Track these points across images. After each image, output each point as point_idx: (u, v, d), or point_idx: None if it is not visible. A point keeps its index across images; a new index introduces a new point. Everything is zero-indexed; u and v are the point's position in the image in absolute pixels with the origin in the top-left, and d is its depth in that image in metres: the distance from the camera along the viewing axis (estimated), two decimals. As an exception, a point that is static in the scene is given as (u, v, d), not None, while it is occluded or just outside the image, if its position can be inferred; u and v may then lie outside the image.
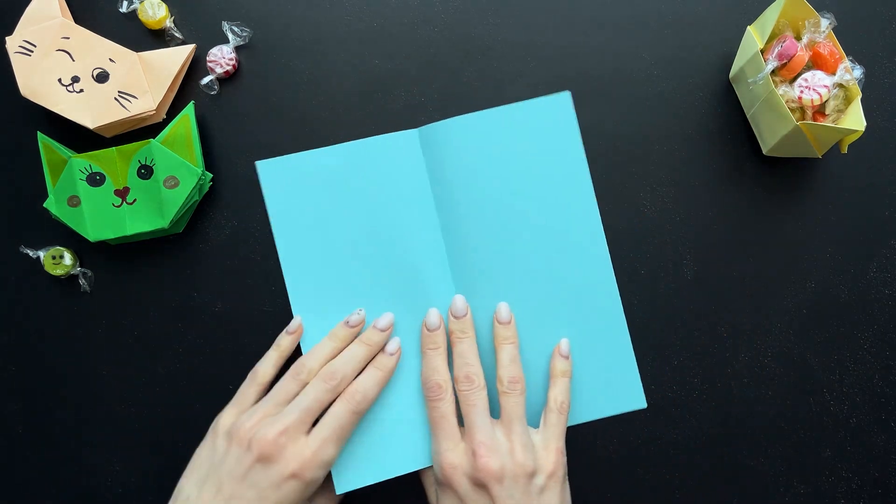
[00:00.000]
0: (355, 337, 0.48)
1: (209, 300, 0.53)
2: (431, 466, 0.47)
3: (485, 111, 0.47)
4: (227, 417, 0.46)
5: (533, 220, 0.48)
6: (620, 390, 0.49)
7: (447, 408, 0.46)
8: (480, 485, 0.43)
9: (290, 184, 0.47)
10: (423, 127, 0.47)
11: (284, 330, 0.48)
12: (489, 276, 0.48)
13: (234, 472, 0.44)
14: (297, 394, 0.46)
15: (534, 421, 0.48)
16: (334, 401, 0.46)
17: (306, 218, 0.48)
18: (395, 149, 0.47)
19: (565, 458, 0.46)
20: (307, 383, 0.46)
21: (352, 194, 0.48)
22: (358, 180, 0.48)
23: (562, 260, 0.48)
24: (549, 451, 0.45)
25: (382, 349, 0.48)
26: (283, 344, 0.48)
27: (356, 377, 0.47)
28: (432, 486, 0.47)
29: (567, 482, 0.46)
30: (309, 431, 0.45)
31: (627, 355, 0.48)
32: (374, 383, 0.47)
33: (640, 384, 0.48)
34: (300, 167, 0.47)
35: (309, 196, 0.48)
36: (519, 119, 0.48)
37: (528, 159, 0.48)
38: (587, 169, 0.47)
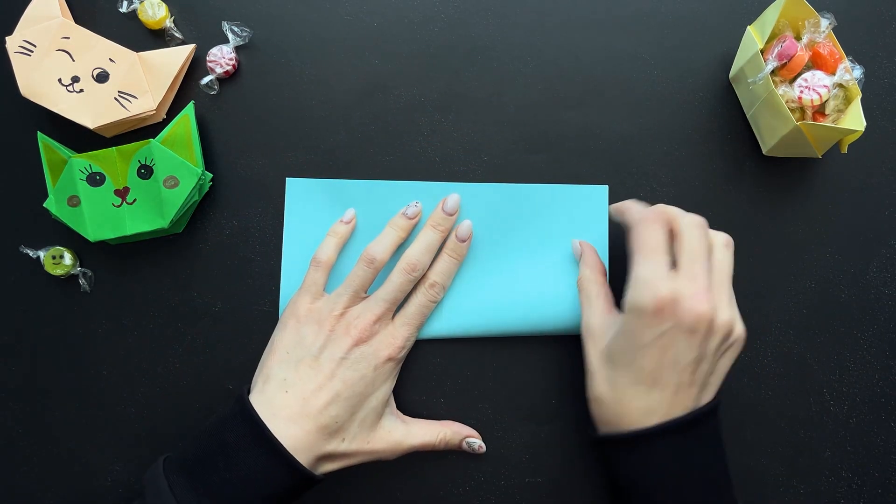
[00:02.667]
0: (412, 227, 0.51)
1: (209, 300, 0.53)
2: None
3: (521, 185, 0.52)
4: (305, 304, 0.49)
5: (537, 270, 0.52)
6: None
7: (665, 237, 0.45)
8: (691, 329, 0.42)
9: (310, 204, 0.52)
10: (458, 184, 0.52)
11: (339, 219, 0.52)
12: (474, 315, 0.52)
13: (334, 355, 0.47)
14: (371, 280, 0.49)
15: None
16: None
17: (317, 237, 0.52)
18: (419, 196, 0.52)
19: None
20: (378, 269, 0.49)
21: (367, 227, 0.52)
22: (376, 217, 0.52)
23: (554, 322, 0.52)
24: (737, 318, 0.46)
25: (454, 234, 0.51)
26: (339, 231, 0.51)
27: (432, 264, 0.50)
28: (602, 322, 0.47)
29: None
30: (394, 316, 0.49)
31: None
32: (449, 271, 0.51)
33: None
34: (326, 192, 0.52)
35: (326, 220, 0.52)
36: (555, 198, 0.52)
37: (554, 232, 0.52)
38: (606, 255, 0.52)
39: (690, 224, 0.45)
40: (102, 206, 0.51)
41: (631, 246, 0.46)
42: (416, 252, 0.49)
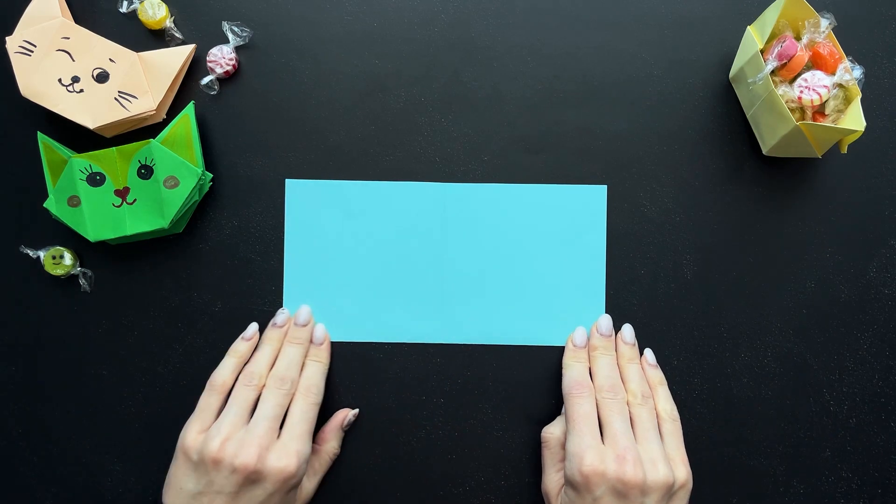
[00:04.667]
0: (284, 335, 0.52)
1: (209, 300, 0.53)
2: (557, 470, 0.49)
3: (519, 185, 0.53)
4: (193, 434, 0.47)
5: (537, 268, 0.53)
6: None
7: (590, 406, 0.47)
8: (621, 494, 0.44)
9: (310, 205, 0.53)
10: (454, 185, 0.53)
11: (240, 336, 0.52)
12: (472, 318, 0.53)
13: (226, 491, 0.45)
14: (255, 399, 0.48)
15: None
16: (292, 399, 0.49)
17: (317, 238, 0.53)
18: (419, 196, 0.53)
19: (690, 469, 0.48)
20: (260, 387, 0.49)
21: (367, 225, 0.53)
22: (375, 218, 0.53)
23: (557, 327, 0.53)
24: (677, 463, 0.47)
25: (312, 340, 0.52)
26: (240, 350, 0.51)
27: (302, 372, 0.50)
28: (558, 487, 0.48)
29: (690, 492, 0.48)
30: (279, 433, 0.47)
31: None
32: (320, 376, 0.51)
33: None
34: (325, 193, 0.53)
35: (326, 221, 0.53)
36: (553, 198, 0.53)
37: (553, 230, 0.53)
38: (604, 259, 0.53)
39: (602, 389, 0.48)
40: (102, 206, 0.51)
41: (566, 417, 0.48)
42: (281, 367, 0.50)
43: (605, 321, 0.52)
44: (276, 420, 0.48)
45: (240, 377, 0.49)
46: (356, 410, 0.53)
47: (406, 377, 0.53)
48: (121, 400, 0.53)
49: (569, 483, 0.46)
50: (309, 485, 0.51)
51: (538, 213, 0.52)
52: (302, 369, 0.51)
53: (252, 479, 0.45)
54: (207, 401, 0.49)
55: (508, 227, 0.52)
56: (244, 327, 0.53)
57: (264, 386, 0.49)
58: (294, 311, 0.52)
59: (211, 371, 0.53)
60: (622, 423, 0.46)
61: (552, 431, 0.50)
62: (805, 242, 0.53)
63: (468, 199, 0.52)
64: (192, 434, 0.47)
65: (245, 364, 0.50)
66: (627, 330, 0.52)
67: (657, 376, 0.51)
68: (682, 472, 0.46)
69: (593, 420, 0.47)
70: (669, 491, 0.45)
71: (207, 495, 0.45)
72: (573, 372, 0.49)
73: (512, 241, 0.52)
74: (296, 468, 0.46)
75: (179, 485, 0.46)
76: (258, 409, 0.48)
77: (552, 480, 0.49)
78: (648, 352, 0.52)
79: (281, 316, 0.52)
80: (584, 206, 0.52)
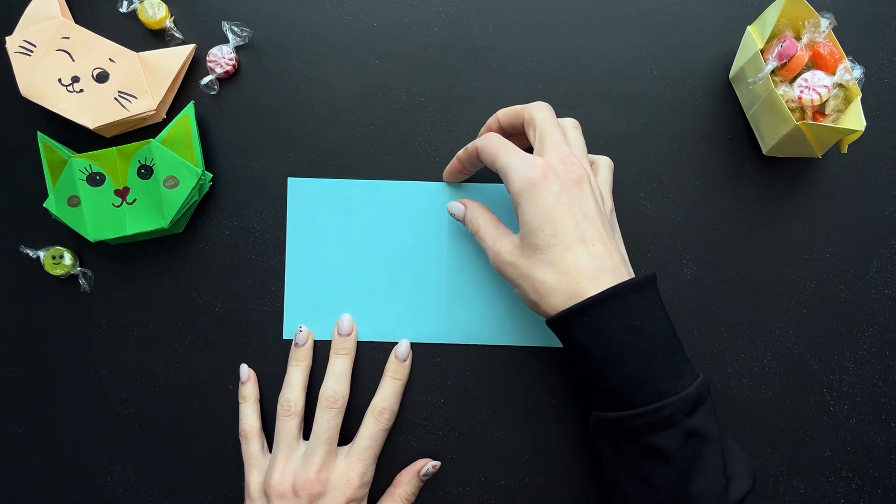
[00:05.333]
0: (311, 353, 0.51)
1: (209, 300, 0.53)
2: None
3: (488, 184, 0.52)
4: (253, 480, 0.48)
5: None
6: None
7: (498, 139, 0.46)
8: (575, 182, 0.43)
9: (312, 204, 0.53)
10: (454, 184, 0.53)
11: (239, 384, 0.52)
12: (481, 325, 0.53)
13: None
14: (298, 427, 0.48)
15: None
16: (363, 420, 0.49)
17: (319, 237, 0.53)
18: (419, 196, 0.53)
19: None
20: (299, 414, 0.49)
21: (368, 229, 0.53)
22: (377, 217, 0.53)
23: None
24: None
25: (393, 355, 0.51)
26: (247, 393, 0.51)
27: (378, 392, 0.50)
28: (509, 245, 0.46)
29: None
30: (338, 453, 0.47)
31: None
32: (395, 396, 0.50)
33: None
34: (327, 192, 0.53)
35: (327, 220, 0.53)
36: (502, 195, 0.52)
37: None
38: None
39: (537, 108, 0.46)
40: (102, 206, 0.51)
41: (488, 163, 0.46)
42: (331, 384, 0.49)
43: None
44: (332, 443, 0.47)
45: (277, 409, 0.49)
46: (437, 463, 0.51)
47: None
48: (121, 400, 0.53)
49: (524, 191, 0.43)
50: None
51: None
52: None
53: (315, 498, 0.45)
54: (249, 450, 0.49)
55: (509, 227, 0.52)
56: (244, 327, 0.53)
57: (316, 406, 0.48)
58: (325, 323, 0.52)
59: (210, 370, 0.53)
60: (559, 135, 0.45)
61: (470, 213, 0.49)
62: (805, 242, 0.53)
63: (453, 198, 0.52)
64: (253, 482, 0.48)
65: (258, 400, 0.52)
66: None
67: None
68: (601, 158, 0.49)
69: (506, 143, 0.45)
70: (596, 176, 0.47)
71: None
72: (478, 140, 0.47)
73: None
74: (358, 484, 0.46)
75: None
76: (312, 434, 0.48)
77: (502, 239, 0.46)
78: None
79: (301, 335, 0.51)
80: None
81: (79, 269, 0.53)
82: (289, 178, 0.53)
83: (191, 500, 0.53)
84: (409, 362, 0.51)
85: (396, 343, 0.52)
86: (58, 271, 0.53)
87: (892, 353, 0.53)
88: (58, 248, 0.53)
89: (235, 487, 0.52)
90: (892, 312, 0.53)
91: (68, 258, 0.53)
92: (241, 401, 0.51)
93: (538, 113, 0.45)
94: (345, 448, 0.49)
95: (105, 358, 0.53)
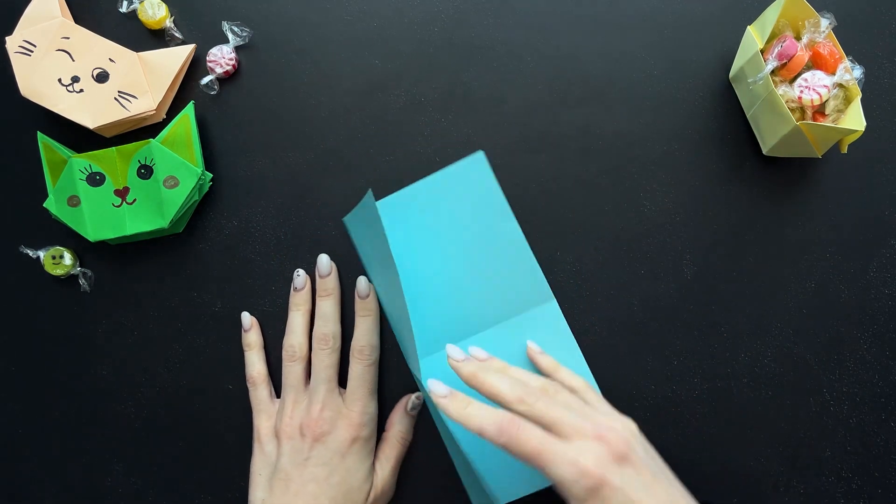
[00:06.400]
0: (310, 296, 0.51)
1: (209, 300, 0.53)
2: None
3: (412, 185, 0.50)
4: (263, 424, 0.50)
5: (476, 278, 0.51)
6: None
7: (536, 430, 0.40)
8: (623, 458, 0.40)
9: (369, 229, 0.48)
10: (378, 202, 0.50)
11: (242, 332, 0.52)
12: (445, 337, 0.51)
13: (296, 460, 0.47)
14: (302, 372, 0.50)
15: None
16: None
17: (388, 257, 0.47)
18: (369, 215, 0.48)
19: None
20: (304, 358, 0.50)
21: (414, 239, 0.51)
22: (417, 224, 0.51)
23: (509, 310, 0.51)
24: (615, 415, 0.44)
25: (356, 294, 0.51)
26: (252, 341, 0.52)
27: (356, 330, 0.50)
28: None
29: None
30: (340, 392, 0.49)
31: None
32: (370, 330, 0.50)
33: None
34: (381, 212, 0.49)
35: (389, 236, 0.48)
36: (443, 184, 0.50)
37: (459, 221, 0.51)
38: (513, 218, 0.50)
39: (512, 402, 0.41)
40: (102, 206, 0.51)
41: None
42: (320, 326, 0.50)
43: (453, 349, 0.45)
44: (331, 381, 0.49)
45: (283, 354, 0.50)
46: (419, 394, 0.51)
47: (406, 375, 0.53)
48: (121, 400, 0.53)
49: (584, 499, 0.39)
50: (383, 472, 0.49)
51: (439, 206, 0.50)
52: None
53: (319, 439, 0.47)
54: (258, 396, 0.51)
55: (428, 230, 0.51)
56: (238, 328, 0.53)
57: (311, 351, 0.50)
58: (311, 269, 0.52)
59: (210, 370, 0.53)
60: (567, 410, 0.41)
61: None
62: (805, 242, 0.53)
63: (387, 214, 0.50)
64: (263, 424, 0.49)
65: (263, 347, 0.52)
66: (476, 350, 0.47)
67: (550, 361, 0.48)
68: (627, 419, 0.44)
69: (547, 436, 0.40)
70: (636, 434, 0.42)
71: (282, 471, 0.47)
72: (484, 419, 0.40)
73: (436, 240, 0.51)
74: (359, 422, 0.47)
75: (257, 469, 0.48)
76: (312, 376, 0.49)
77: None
78: (531, 343, 0.49)
79: (299, 278, 0.51)
80: (474, 181, 0.49)
81: (79, 269, 0.53)
82: (343, 220, 0.50)
83: (191, 500, 0.53)
84: (372, 295, 0.51)
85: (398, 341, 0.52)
86: (58, 271, 0.53)
87: (892, 353, 0.53)
88: (58, 248, 0.53)
89: (236, 487, 0.52)
90: (892, 312, 0.53)
91: (68, 258, 0.53)
92: (245, 349, 0.52)
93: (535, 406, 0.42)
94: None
95: (105, 358, 0.53)
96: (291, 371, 0.50)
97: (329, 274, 0.51)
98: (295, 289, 0.51)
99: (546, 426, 0.41)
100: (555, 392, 0.44)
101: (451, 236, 0.51)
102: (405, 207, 0.51)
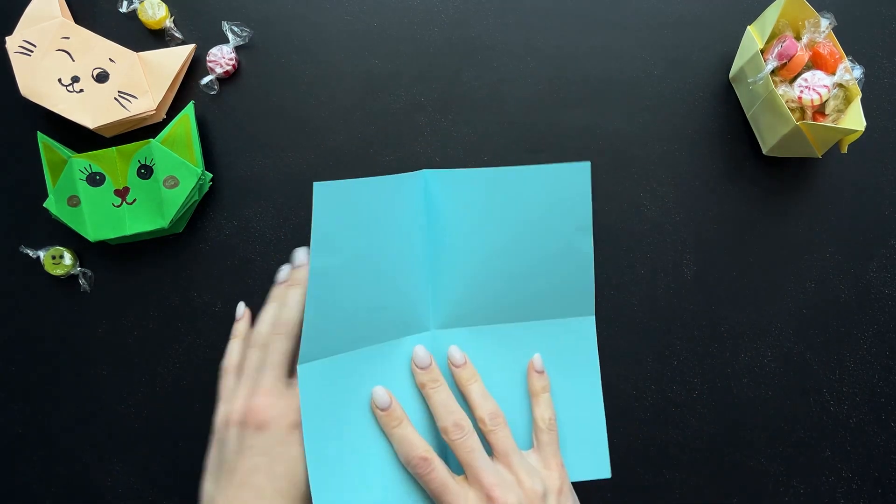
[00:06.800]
0: (251, 321, 0.49)
1: (209, 300, 0.53)
2: None
3: (500, 169, 0.48)
4: (220, 413, 0.46)
5: (525, 271, 0.49)
6: (588, 457, 0.49)
7: (442, 473, 0.45)
8: None
9: (340, 208, 0.45)
10: (430, 171, 0.47)
11: (235, 320, 0.50)
12: (470, 316, 0.49)
13: (240, 449, 0.44)
14: (255, 358, 0.46)
15: (523, 442, 0.48)
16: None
17: (343, 238, 0.46)
18: (404, 188, 0.47)
19: (565, 470, 0.47)
20: (263, 346, 0.47)
21: (373, 226, 0.47)
22: (377, 213, 0.47)
23: (548, 311, 0.50)
24: (551, 469, 0.46)
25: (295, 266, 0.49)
26: (240, 331, 0.49)
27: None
28: None
29: (573, 492, 0.47)
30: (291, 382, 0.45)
31: (599, 425, 0.49)
32: (295, 311, 0.47)
33: (607, 454, 0.49)
34: (355, 193, 0.46)
35: (356, 223, 0.46)
36: (537, 178, 0.48)
37: (535, 216, 0.48)
38: (591, 233, 0.48)
39: (446, 431, 0.45)
40: (102, 206, 0.51)
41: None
42: (285, 312, 0.47)
43: (422, 352, 0.47)
44: (281, 367, 0.45)
45: (246, 344, 0.48)
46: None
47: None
48: (121, 400, 0.53)
49: None
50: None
51: (518, 197, 0.48)
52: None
53: (259, 426, 0.44)
54: (225, 384, 0.47)
55: (492, 214, 0.49)
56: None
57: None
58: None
59: (210, 370, 0.53)
60: (478, 458, 0.45)
61: None
62: (805, 242, 0.53)
63: (448, 186, 0.48)
64: (221, 414, 0.46)
65: None
66: (455, 352, 0.48)
67: (540, 383, 0.49)
68: (554, 477, 0.46)
69: (448, 482, 0.44)
70: (546, 499, 0.44)
71: (227, 462, 0.44)
72: (402, 446, 0.45)
73: (497, 227, 0.49)
74: (297, 411, 0.44)
75: (211, 462, 0.46)
76: (246, 363, 0.46)
77: None
78: (537, 357, 0.49)
79: (283, 272, 0.49)
80: (568, 187, 0.48)
81: (79, 269, 0.53)
82: (314, 184, 0.45)
83: (191, 499, 0.53)
84: (305, 267, 0.49)
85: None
86: (58, 271, 0.53)
87: (892, 353, 0.53)
88: (58, 248, 0.53)
89: None
90: (892, 312, 0.53)
91: (68, 258, 0.53)
92: (231, 337, 0.50)
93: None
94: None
95: (105, 358, 0.53)
96: (251, 358, 0.47)
97: (304, 265, 0.49)
98: (277, 282, 0.49)
99: (461, 463, 0.45)
100: (493, 427, 0.46)
101: (523, 227, 0.49)
102: (489, 185, 0.48)
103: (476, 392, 0.47)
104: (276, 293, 0.49)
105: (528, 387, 0.49)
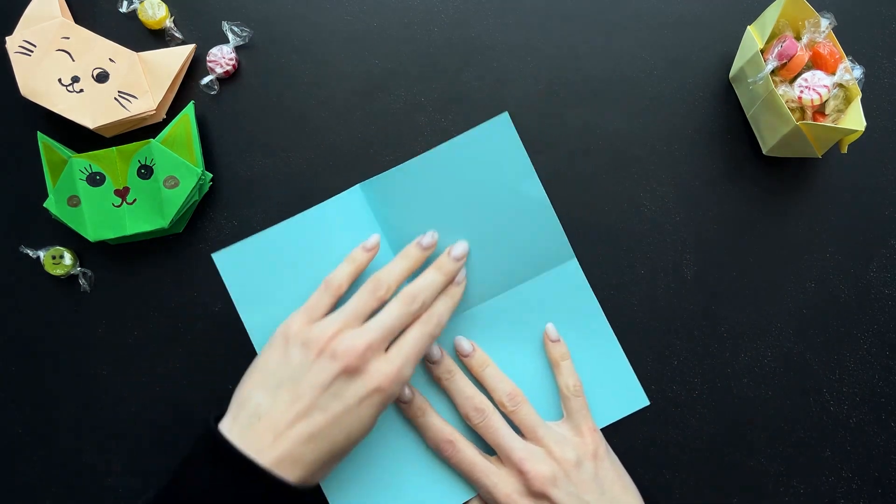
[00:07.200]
0: (425, 258, 0.48)
1: (209, 300, 0.53)
2: None
3: (429, 151, 0.49)
4: (298, 325, 0.44)
5: (493, 239, 0.50)
6: (621, 394, 0.50)
7: (468, 452, 0.46)
8: (539, 496, 0.44)
9: (248, 266, 0.48)
10: (365, 182, 0.49)
11: (361, 245, 0.48)
12: (461, 307, 0.50)
13: (317, 381, 0.42)
14: (374, 309, 0.45)
15: (549, 412, 0.49)
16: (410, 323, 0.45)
17: (268, 291, 0.48)
18: (342, 210, 0.49)
19: (600, 433, 0.48)
20: (383, 299, 0.45)
21: (308, 261, 0.48)
22: (311, 248, 0.48)
23: (529, 270, 0.50)
24: (583, 436, 0.47)
25: (454, 278, 0.48)
26: (358, 258, 0.47)
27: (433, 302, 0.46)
28: None
29: (612, 453, 0.48)
30: (387, 349, 0.44)
31: (619, 358, 0.51)
32: (447, 312, 0.47)
33: (638, 383, 0.50)
34: (254, 249, 0.48)
35: (267, 272, 0.48)
36: (467, 146, 0.49)
37: (479, 183, 0.49)
38: (536, 177, 0.49)
39: (468, 417, 0.48)
40: (102, 206, 0.51)
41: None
42: (419, 287, 0.46)
43: (434, 347, 0.48)
44: (392, 333, 0.44)
45: (368, 281, 0.46)
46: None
47: None
48: (121, 400, 0.53)
49: None
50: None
51: (461, 170, 0.49)
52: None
53: (350, 373, 0.42)
54: (320, 298, 0.45)
55: (442, 196, 0.49)
56: (244, 327, 0.53)
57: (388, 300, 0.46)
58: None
59: (210, 370, 0.53)
60: (505, 436, 0.46)
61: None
62: (805, 242, 0.53)
63: (390, 189, 0.49)
64: (299, 324, 0.44)
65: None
66: (462, 343, 0.49)
67: (559, 351, 0.49)
68: (587, 442, 0.46)
69: (476, 460, 0.46)
70: (579, 468, 0.45)
71: (296, 383, 0.42)
72: (428, 433, 0.47)
73: (458, 205, 0.49)
74: (395, 377, 0.43)
75: (270, 369, 0.43)
76: (377, 316, 0.44)
77: None
78: (549, 326, 0.50)
79: (429, 238, 0.48)
80: (498, 144, 0.49)
81: (79, 269, 0.53)
82: (213, 255, 0.48)
83: (191, 500, 0.53)
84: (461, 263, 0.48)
85: None
86: (58, 271, 0.53)
87: (892, 353, 0.53)
88: (58, 248, 0.53)
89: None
90: (892, 312, 0.53)
91: (68, 258, 0.53)
92: (347, 259, 0.47)
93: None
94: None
95: (105, 358, 0.53)
96: (364, 301, 0.45)
97: (460, 259, 0.48)
98: (420, 245, 0.48)
99: (490, 445, 0.46)
100: (514, 407, 0.47)
101: (473, 198, 0.49)
102: (425, 172, 0.49)
103: (490, 376, 0.48)
104: (414, 253, 0.47)
105: (545, 356, 0.50)
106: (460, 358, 0.49)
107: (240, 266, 0.48)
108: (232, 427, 0.42)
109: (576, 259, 0.50)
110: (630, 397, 0.51)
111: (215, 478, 0.40)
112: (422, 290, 0.46)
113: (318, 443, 0.41)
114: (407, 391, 0.48)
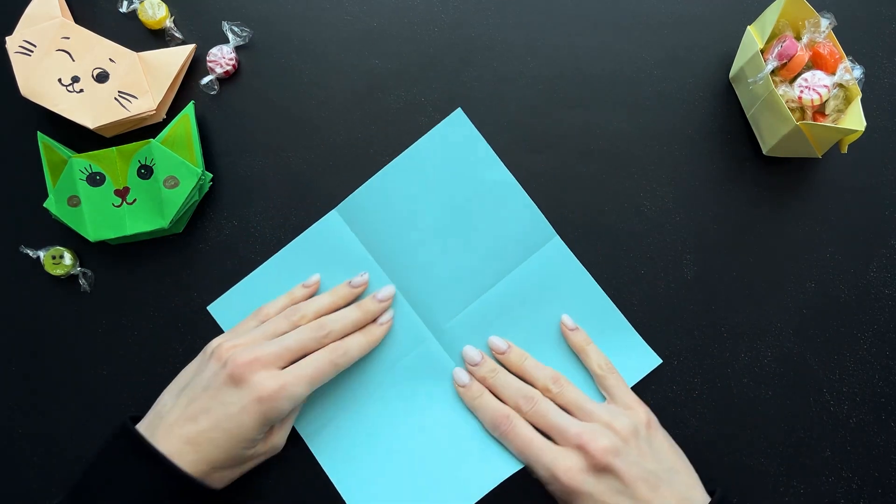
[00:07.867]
0: (355, 298, 0.50)
1: (209, 300, 0.53)
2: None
3: (393, 161, 0.52)
4: (217, 340, 0.48)
5: (474, 231, 0.52)
6: (633, 358, 0.52)
7: (526, 429, 0.47)
8: (602, 468, 0.44)
9: (243, 309, 0.51)
10: (339, 205, 0.52)
11: (301, 284, 0.51)
12: (458, 307, 0.51)
13: (207, 385, 0.45)
14: (285, 332, 0.47)
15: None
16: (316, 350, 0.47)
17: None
18: (323, 236, 0.51)
19: (645, 405, 0.48)
20: (297, 325, 0.48)
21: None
22: (299, 279, 0.51)
23: (517, 256, 0.52)
24: (631, 407, 0.48)
25: (375, 319, 0.50)
26: (295, 293, 0.50)
27: (344, 336, 0.48)
28: None
29: (659, 424, 0.48)
30: (285, 369, 0.46)
31: (622, 324, 0.52)
32: (358, 347, 0.49)
33: (646, 345, 0.52)
34: (246, 291, 0.52)
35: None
36: (428, 150, 0.52)
37: (448, 182, 0.52)
38: (500, 162, 0.51)
39: (519, 407, 0.48)
40: (102, 206, 0.51)
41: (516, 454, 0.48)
42: (331, 318, 0.48)
43: (471, 351, 0.50)
44: (289, 352, 0.46)
45: (287, 309, 0.49)
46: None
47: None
48: (121, 400, 0.53)
49: (562, 500, 0.46)
50: (278, 433, 0.48)
51: (427, 169, 0.51)
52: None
53: (234, 380, 0.44)
54: (245, 323, 0.49)
55: (416, 202, 0.52)
56: None
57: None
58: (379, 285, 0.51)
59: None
60: (558, 416, 0.46)
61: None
62: (805, 242, 0.53)
63: (365, 205, 0.51)
64: (220, 341, 0.47)
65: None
66: (496, 342, 0.51)
67: (581, 337, 0.51)
68: (639, 412, 0.47)
69: (535, 437, 0.46)
70: (636, 436, 0.45)
71: (193, 389, 0.45)
72: (485, 412, 0.49)
73: (424, 209, 0.51)
74: (276, 391, 0.44)
75: (184, 376, 0.48)
76: (281, 336, 0.47)
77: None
78: (565, 317, 0.51)
79: (359, 278, 0.50)
80: (457, 139, 0.51)
81: (79, 269, 0.53)
82: (209, 308, 0.52)
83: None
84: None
85: None
86: (58, 271, 0.53)
87: (892, 353, 0.53)
88: (58, 248, 0.53)
89: (237, 486, 0.52)
90: (892, 312, 0.53)
91: (68, 258, 0.53)
92: (286, 294, 0.51)
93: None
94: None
95: (105, 358, 0.53)
96: (278, 324, 0.47)
97: (384, 302, 0.50)
98: (350, 283, 0.50)
99: (541, 429, 0.47)
100: (559, 389, 0.48)
101: (445, 199, 0.52)
102: (395, 181, 0.51)
103: (530, 366, 0.50)
104: (342, 292, 0.50)
105: (554, 341, 0.51)
106: (497, 356, 0.51)
107: (236, 311, 0.52)
108: (141, 425, 0.46)
109: (558, 237, 0.52)
110: (642, 359, 0.52)
111: (125, 464, 0.44)
112: (332, 321, 0.48)
113: (200, 444, 0.44)
114: (464, 375, 0.50)
